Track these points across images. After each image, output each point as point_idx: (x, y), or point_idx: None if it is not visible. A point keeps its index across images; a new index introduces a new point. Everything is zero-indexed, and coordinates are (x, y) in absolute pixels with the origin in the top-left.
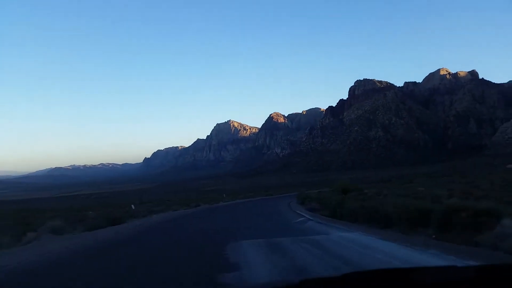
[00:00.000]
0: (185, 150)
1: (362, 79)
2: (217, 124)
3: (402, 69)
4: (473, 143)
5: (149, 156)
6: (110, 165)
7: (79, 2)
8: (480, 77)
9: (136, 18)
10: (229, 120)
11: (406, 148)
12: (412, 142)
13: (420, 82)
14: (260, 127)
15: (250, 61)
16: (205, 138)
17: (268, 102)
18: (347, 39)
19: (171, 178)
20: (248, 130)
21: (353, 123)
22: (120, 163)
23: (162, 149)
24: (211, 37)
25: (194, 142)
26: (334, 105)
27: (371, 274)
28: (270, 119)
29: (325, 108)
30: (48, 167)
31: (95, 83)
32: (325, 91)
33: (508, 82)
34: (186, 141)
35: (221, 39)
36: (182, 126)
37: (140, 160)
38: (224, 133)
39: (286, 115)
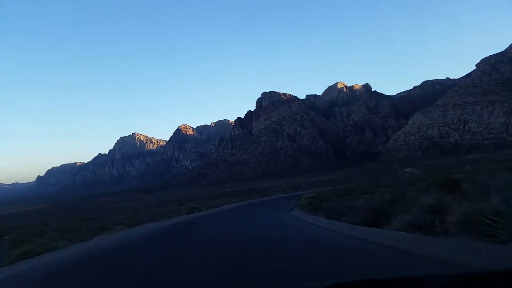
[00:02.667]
0: (84, 166)
1: (268, 91)
2: (121, 137)
3: (304, 82)
4: (369, 150)
5: (42, 174)
6: None
7: None
8: (373, 89)
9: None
10: (134, 133)
11: (311, 156)
12: (316, 151)
13: (320, 94)
14: (168, 139)
15: (156, 73)
16: (107, 152)
17: (176, 115)
18: (254, 52)
19: (69, 196)
20: (155, 143)
21: (261, 133)
22: (10, 183)
23: (57, 166)
24: (115, 50)
25: (95, 158)
26: (242, 117)
27: (349, 286)
28: (178, 131)
29: (234, 120)
30: None
31: None
32: (233, 103)
33: (396, 94)
34: (85, 157)
35: (125, 51)
36: (80, 141)
37: (33, 179)
38: (129, 147)
39: (195, 127)
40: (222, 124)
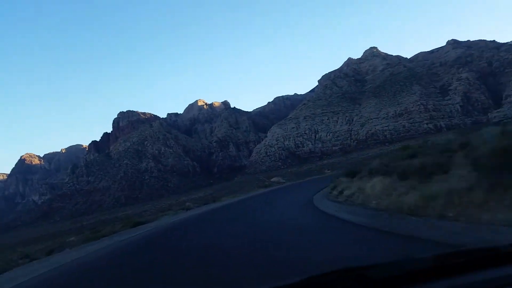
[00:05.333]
0: None
1: (125, 110)
2: None
3: (164, 101)
4: (235, 165)
5: None
6: None
7: None
8: (232, 106)
9: None
10: None
11: (178, 176)
12: (183, 170)
13: (182, 113)
14: (9, 172)
15: None
16: None
17: (18, 142)
18: (107, 70)
19: None
20: None
21: (122, 156)
22: None
23: None
24: None
25: None
26: (98, 140)
27: (324, 277)
28: (21, 162)
29: (88, 144)
30: None
31: None
32: (86, 125)
33: (253, 110)
34: None
35: None
36: None
37: None
38: None
39: (41, 155)
40: (74, 150)
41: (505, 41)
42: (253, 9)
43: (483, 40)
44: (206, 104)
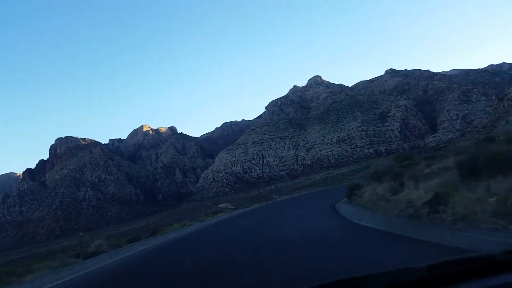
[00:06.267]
0: None
1: (64, 136)
2: None
3: (106, 126)
4: (181, 191)
5: None
6: None
7: None
8: (179, 131)
9: None
10: None
11: (119, 204)
12: (125, 197)
13: (125, 138)
14: None
15: None
16: None
17: None
18: (47, 94)
19: None
20: None
21: (58, 184)
22: None
23: None
24: None
25: None
26: (33, 167)
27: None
28: None
29: (22, 172)
30: None
31: None
32: (20, 152)
33: (201, 136)
34: None
35: None
36: None
37: None
38: None
39: None
40: (7, 178)
41: (438, 71)
42: (202, 34)
43: (419, 69)
44: (151, 129)
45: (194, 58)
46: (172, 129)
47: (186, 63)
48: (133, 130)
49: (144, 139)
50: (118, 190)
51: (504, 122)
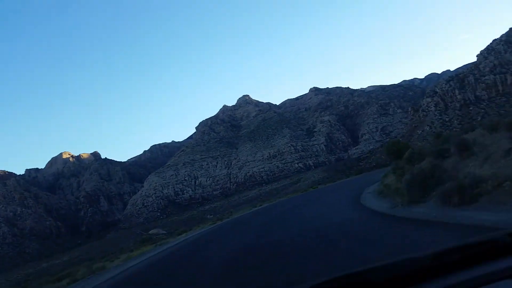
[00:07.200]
0: None
1: None
2: None
3: (22, 155)
4: (107, 220)
5: None
6: None
7: None
8: (103, 157)
9: None
10: None
11: (38, 239)
12: (44, 232)
13: (43, 168)
14: None
15: None
16: None
17: None
18: None
19: None
20: None
21: None
22: None
23: None
24: None
25: None
26: None
27: (325, 285)
28: None
29: None
30: None
31: None
32: None
33: (128, 160)
34: None
35: None
36: None
37: None
38: None
39: None
40: None
41: (358, 87)
42: (129, 56)
43: (340, 87)
44: (72, 156)
45: (119, 82)
46: (95, 154)
47: (109, 86)
48: (52, 158)
49: (64, 167)
50: (37, 224)
51: (420, 131)
